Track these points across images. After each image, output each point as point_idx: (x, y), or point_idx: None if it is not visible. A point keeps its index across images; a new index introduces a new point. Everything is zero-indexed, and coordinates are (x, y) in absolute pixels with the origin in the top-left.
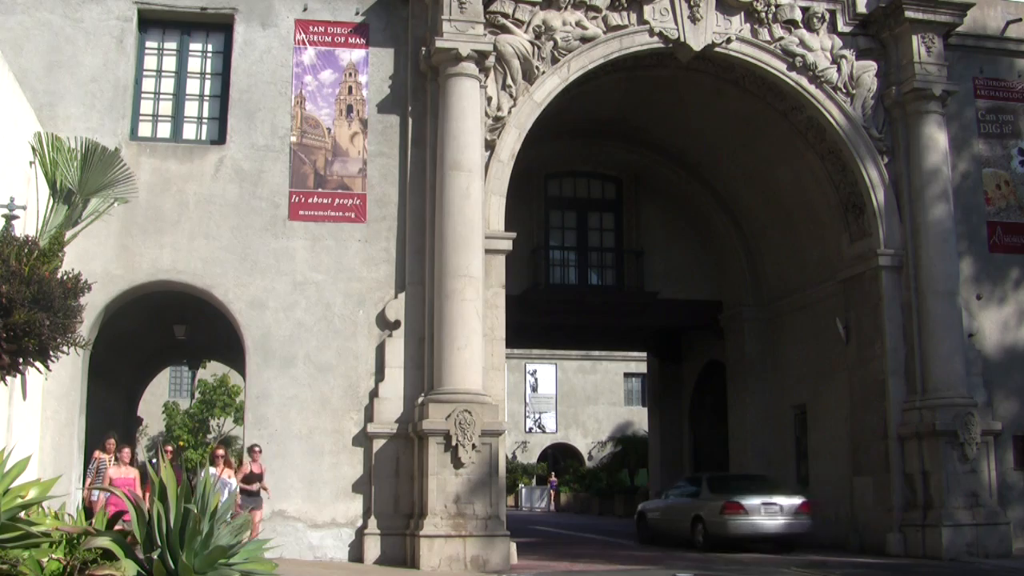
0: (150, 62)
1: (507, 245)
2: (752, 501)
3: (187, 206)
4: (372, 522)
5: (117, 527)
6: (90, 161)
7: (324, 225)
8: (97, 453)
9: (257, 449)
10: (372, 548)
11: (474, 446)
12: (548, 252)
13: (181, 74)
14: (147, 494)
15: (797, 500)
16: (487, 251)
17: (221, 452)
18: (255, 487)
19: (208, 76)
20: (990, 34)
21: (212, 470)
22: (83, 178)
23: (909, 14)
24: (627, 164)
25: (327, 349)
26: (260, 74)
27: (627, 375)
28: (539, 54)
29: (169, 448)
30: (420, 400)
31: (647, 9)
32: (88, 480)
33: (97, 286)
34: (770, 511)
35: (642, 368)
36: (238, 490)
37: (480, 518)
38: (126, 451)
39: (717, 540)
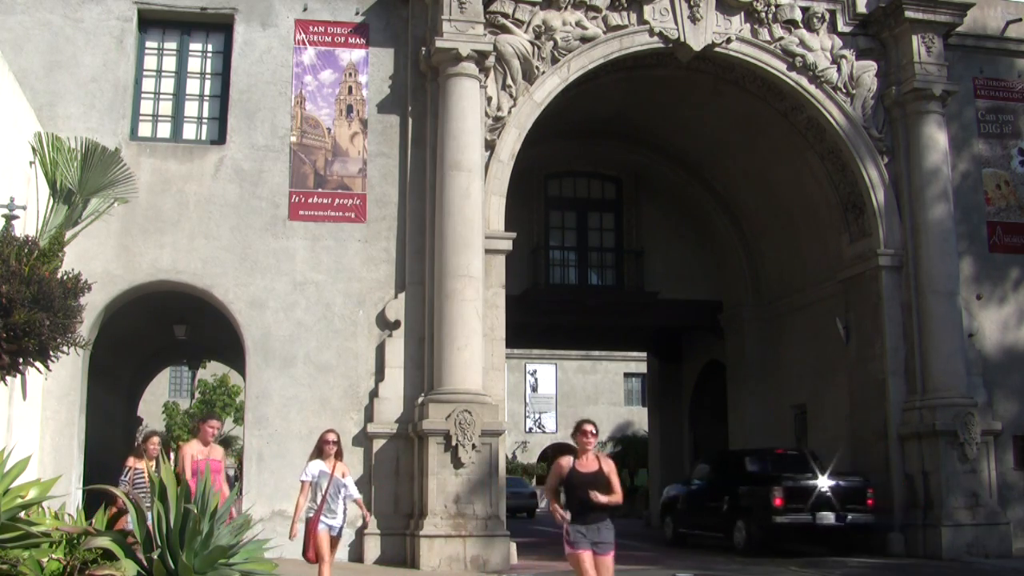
0: (150, 62)
1: (507, 245)
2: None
3: (187, 206)
4: (372, 522)
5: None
6: (90, 161)
7: (324, 225)
8: (131, 460)
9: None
10: (372, 548)
11: (474, 446)
12: (548, 252)
13: (181, 74)
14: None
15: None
16: (487, 251)
17: (333, 437)
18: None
19: (208, 76)
20: (990, 34)
21: (322, 465)
22: (83, 178)
23: (909, 14)
24: (627, 164)
25: (327, 349)
26: (260, 74)
27: (627, 375)
28: (539, 54)
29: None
30: (420, 400)
31: (647, 9)
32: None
33: (97, 286)
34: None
35: (642, 368)
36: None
37: (480, 518)
38: (213, 423)
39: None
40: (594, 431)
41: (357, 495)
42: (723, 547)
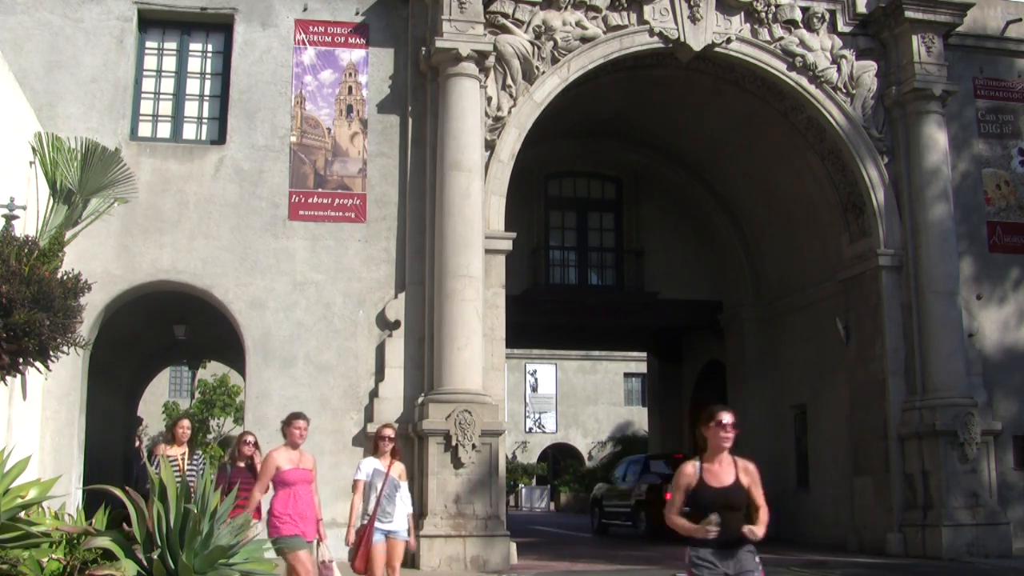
0: (150, 62)
1: (507, 245)
2: None
3: (187, 206)
4: None
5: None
6: (90, 161)
7: (324, 225)
8: (161, 448)
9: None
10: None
11: (474, 446)
12: (548, 252)
13: (181, 74)
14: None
15: None
16: (487, 251)
17: (390, 433)
18: None
19: (208, 76)
20: (990, 34)
21: (376, 462)
22: (83, 178)
23: (909, 14)
24: (627, 164)
25: (327, 349)
26: (260, 74)
27: (627, 375)
28: (539, 54)
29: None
30: (420, 400)
31: (647, 9)
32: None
33: (97, 286)
34: None
35: (642, 368)
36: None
37: (480, 518)
38: (301, 423)
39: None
40: (734, 422)
41: (409, 508)
42: (631, 536)
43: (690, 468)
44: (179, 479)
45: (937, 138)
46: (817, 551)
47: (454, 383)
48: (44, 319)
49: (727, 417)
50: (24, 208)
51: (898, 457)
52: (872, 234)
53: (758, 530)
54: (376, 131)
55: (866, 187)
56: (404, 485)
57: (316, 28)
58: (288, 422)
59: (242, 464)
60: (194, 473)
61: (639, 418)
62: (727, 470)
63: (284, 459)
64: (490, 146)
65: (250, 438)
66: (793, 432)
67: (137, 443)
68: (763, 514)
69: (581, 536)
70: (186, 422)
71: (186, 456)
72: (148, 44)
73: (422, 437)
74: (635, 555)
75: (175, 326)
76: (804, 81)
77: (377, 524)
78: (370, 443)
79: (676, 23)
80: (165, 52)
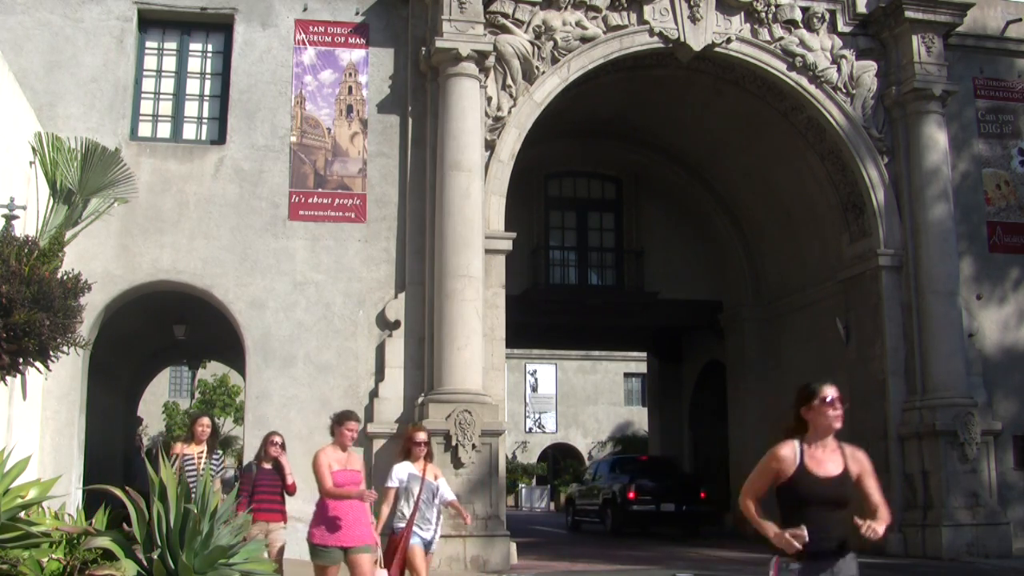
0: (150, 62)
1: (507, 245)
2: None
3: (187, 206)
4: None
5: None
6: (90, 161)
7: (324, 225)
8: (178, 447)
9: None
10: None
11: (474, 446)
12: (548, 252)
13: (181, 74)
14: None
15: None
16: (487, 251)
17: (423, 437)
18: None
19: (208, 76)
20: (990, 34)
21: (411, 466)
22: (83, 178)
23: (909, 14)
24: (627, 164)
25: (327, 349)
26: (260, 74)
27: (627, 375)
28: (539, 54)
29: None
30: (420, 400)
31: (647, 9)
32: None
33: (97, 286)
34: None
35: (642, 368)
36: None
37: (480, 518)
38: (353, 425)
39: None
40: (841, 396)
41: (451, 496)
42: (599, 531)
43: (787, 450)
44: (193, 478)
45: (937, 138)
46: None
47: (454, 383)
48: (44, 319)
49: (832, 392)
50: (24, 208)
51: (898, 457)
52: (872, 234)
53: (879, 527)
54: (376, 131)
55: (866, 187)
56: (443, 482)
57: (316, 28)
58: (339, 422)
59: (268, 465)
60: (212, 473)
61: (639, 418)
62: (833, 457)
63: (333, 459)
64: (490, 146)
65: (277, 438)
66: None
67: (137, 442)
68: (883, 512)
69: (581, 536)
70: (205, 419)
71: (204, 455)
72: (148, 44)
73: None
74: (635, 555)
75: (175, 326)
76: (804, 81)
77: (416, 531)
78: (400, 447)
79: (676, 23)
80: (165, 52)
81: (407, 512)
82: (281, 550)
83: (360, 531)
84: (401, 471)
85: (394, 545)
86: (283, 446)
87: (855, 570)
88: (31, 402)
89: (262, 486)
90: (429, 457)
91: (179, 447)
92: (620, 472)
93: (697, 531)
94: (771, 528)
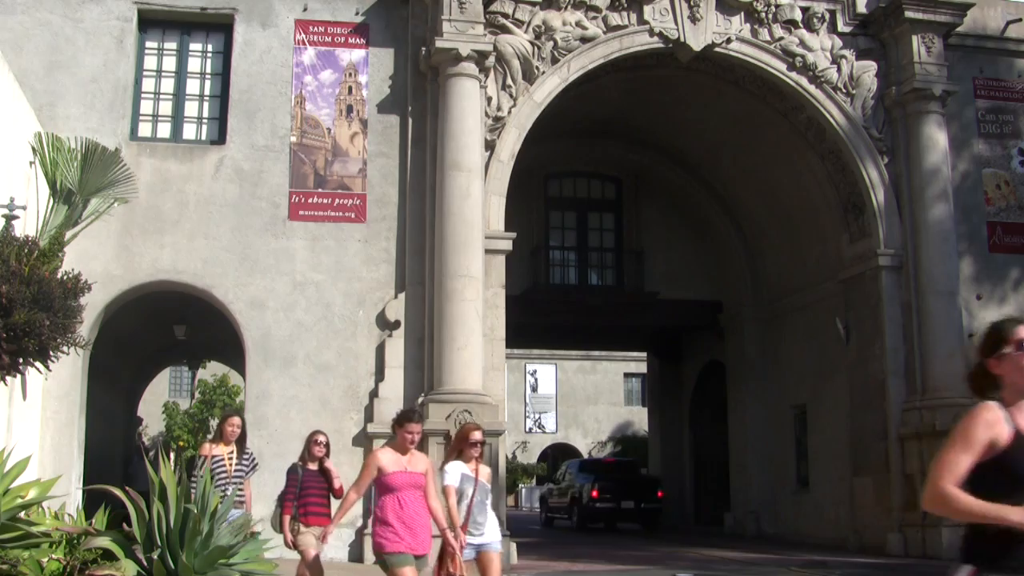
0: (150, 62)
1: (507, 245)
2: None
3: (187, 206)
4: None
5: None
6: (90, 161)
7: (324, 225)
8: (207, 448)
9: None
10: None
11: None
12: (548, 252)
13: (181, 74)
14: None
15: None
16: (487, 251)
17: (478, 436)
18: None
19: (208, 76)
20: (990, 34)
21: (464, 466)
22: (83, 178)
23: (909, 14)
24: (627, 164)
25: (327, 349)
26: (260, 74)
27: (627, 375)
28: (539, 54)
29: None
30: (420, 400)
31: (647, 9)
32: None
33: (97, 286)
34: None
35: (642, 368)
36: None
37: None
38: (414, 428)
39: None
40: None
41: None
42: (567, 527)
43: (992, 414)
44: (223, 481)
45: (937, 138)
46: (817, 551)
47: (454, 383)
48: (44, 319)
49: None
50: (24, 208)
51: (898, 457)
52: (872, 234)
53: None
54: (376, 131)
55: (866, 187)
56: (489, 487)
57: (316, 28)
58: (400, 423)
59: (314, 467)
60: (242, 474)
61: (639, 418)
62: None
63: (389, 460)
64: (490, 146)
65: (321, 438)
66: (793, 432)
67: (139, 440)
68: None
69: (581, 536)
70: (236, 419)
71: (234, 456)
72: (148, 44)
73: (422, 437)
74: (635, 555)
75: (175, 326)
76: (804, 81)
77: (468, 538)
78: (451, 445)
79: (676, 23)
80: (165, 52)
81: (461, 516)
82: (317, 555)
83: (415, 538)
84: (455, 470)
85: (442, 549)
86: (327, 445)
87: None
88: (31, 402)
89: (309, 488)
90: (483, 457)
91: (207, 448)
92: (586, 473)
93: (656, 525)
94: (996, 508)
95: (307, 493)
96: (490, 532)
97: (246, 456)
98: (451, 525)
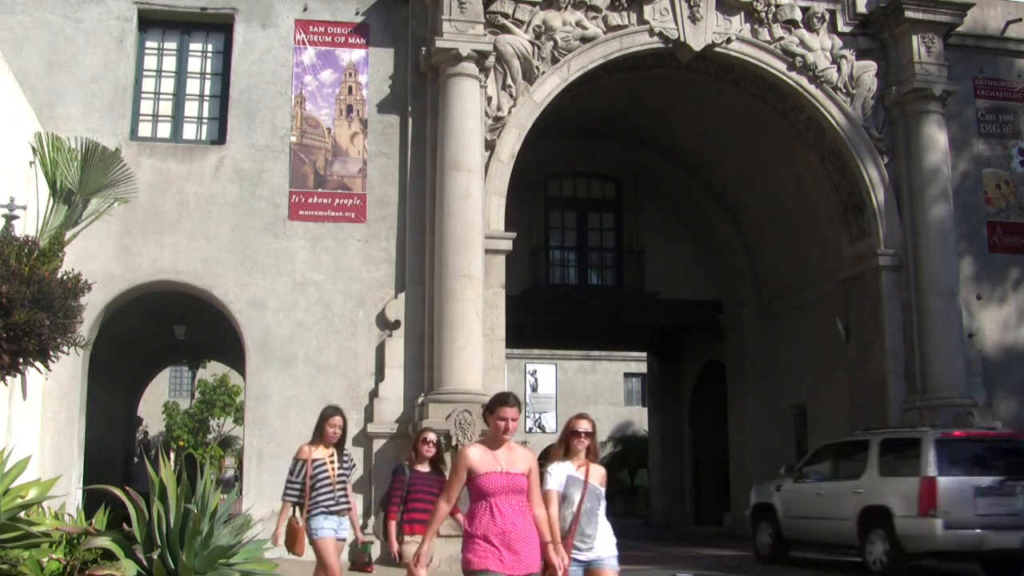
0: (150, 62)
1: (507, 245)
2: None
3: (187, 206)
4: (372, 522)
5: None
6: (90, 161)
7: (324, 225)
8: (305, 451)
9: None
10: (373, 548)
11: None
12: (548, 252)
13: (181, 74)
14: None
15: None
16: (487, 251)
17: (586, 427)
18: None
19: (208, 76)
20: (990, 34)
21: (569, 466)
22: (83, 178)
23: (909, 14)
24: (627, 164)
25: (327, 349)
26: (260, 74)
27: (627, 375)
28: (539, 54)
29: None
30: (420, 400)
31: (647, 9)
32: (295, 508)
33: (97, 286)
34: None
35: (642, 368)
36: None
37: None
38: (509, 412)
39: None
40: None
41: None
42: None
43: None
44: (327, 486)
45: (937, 138)
46: (817, 551)
47: (454, 383)
48: (44, 319)
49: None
50: (24, 208)
51: None
52: (872, 234)
53: None
54: (376, 131)
55: (866, 187)
56: (602, 491)
57: (316, 28)
58: (492, 409)
59: (423, 468)
60: (345, 477)
61: (639, 418)
62: None
63: (480, 458)
64: (490, 146)
65: (430, 436)
66: (793, 432)
67: (141, 438)
68: None
69: None
70: (338, 419)
71: (335, 458)
72: (148, 44)
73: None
74: (635, 555)
75: (175, 326)
76: (804, 81)
77: (574, 553)
78: (559, 441)
79: (676, 23)
80: (165, 52)
81: (566, 526)
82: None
83: (514, 553)
84: (559, 471)
85: (548, 569)
86: (437, 443)
87: None
88: (31, 402)
89: (418, 492)
90: (591, 454)
91: (307, 450)
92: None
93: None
94: None
95: (415, 497)
96: (602, 546)
97: (346, 457)
98: (553, 538)
